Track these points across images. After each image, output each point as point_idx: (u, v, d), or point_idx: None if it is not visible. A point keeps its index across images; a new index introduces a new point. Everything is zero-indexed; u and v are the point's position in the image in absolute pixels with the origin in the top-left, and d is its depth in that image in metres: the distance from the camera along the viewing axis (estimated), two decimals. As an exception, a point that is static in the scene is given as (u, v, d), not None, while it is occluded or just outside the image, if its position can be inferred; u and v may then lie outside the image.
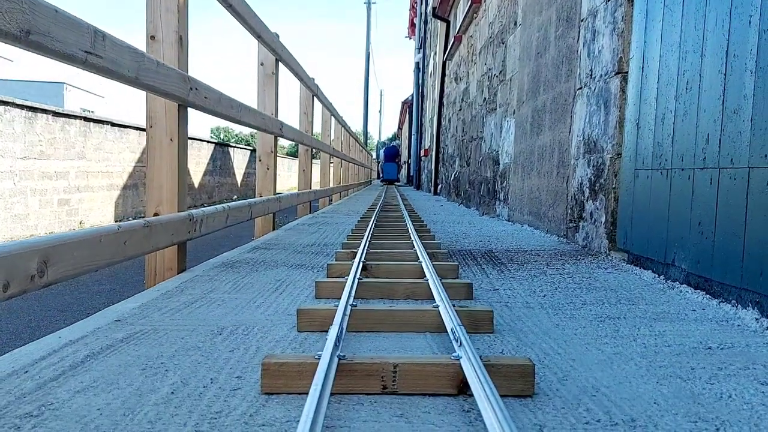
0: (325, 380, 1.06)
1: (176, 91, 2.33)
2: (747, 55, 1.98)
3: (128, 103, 30.27)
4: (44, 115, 9.43)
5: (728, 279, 2.03)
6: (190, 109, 2.66)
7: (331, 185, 9.81)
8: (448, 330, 1.44)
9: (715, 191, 2.14)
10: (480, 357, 1.18)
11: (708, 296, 2.13)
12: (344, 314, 1.53)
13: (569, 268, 2.80)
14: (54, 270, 1.50)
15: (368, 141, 41.24)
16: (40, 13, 1.39)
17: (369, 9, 34.63)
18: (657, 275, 2.57)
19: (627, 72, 3.07)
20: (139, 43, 2.44)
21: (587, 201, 3.52)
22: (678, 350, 1.52)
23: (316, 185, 9.50)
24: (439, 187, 13.35)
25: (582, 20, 3.75)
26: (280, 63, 4.81)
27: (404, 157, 32.62)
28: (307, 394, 1.02)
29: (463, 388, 1.17)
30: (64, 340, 1.50)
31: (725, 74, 2.12)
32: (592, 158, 3.47)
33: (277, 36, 4.51)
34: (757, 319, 1.81)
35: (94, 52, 1.64)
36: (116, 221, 11.67)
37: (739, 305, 1.94)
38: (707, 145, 2.22)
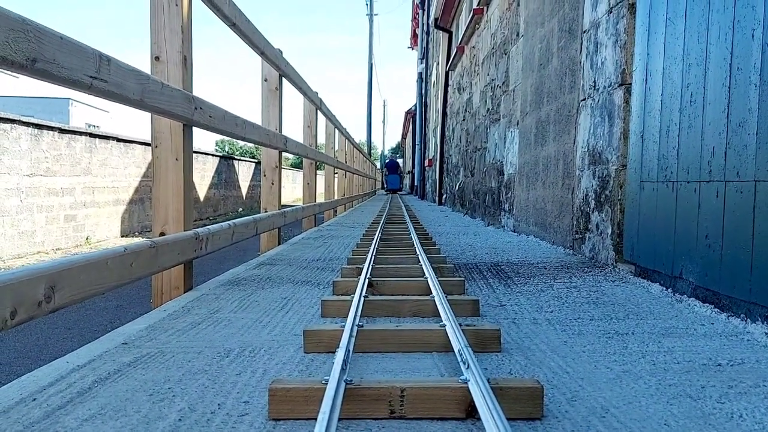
0: (333, 406, 1.06)
1: (181, 111, 2.35)
2: (751, 69, 1.98)
3: (133, 118, 30.42)
4: (50, 131, 9.48)
5: (736, 293, 2.02)
6: (195, 126, 2.67)
7: (336, 197, 9.83)
8: (455, 351, 1.44)
9: (721, 204, 2.13)
10: (488, 380, 1.17)
11: (716, 310, 2.12)
12: (351, 335, 1.52)
13: (576, 282, 2.79)
14: (61, 295, 1.50)
15: (372, 151, 41.34)
16: (45, 40, 1.40)
17: (371, 21, 34.79)
18: (665, 288, 2.56)
19: (630, 84, 3.07)
20: (144, 61, 2.46)
21: (593, 212, 3.52)
22: (687, 367, 1.51)
23: (320, 197, 9.51)
24: (444, 197, 13.34)
25: (584, 32, 3.75)
26: (283, 78, 4.83)
27: (408, 167, 33.82)
28: (315, 419, 1.02)
29: (471, 412, 1.16)
30: (71, 365, 1.50)
31: (729, 87, 2.12)
32: (597, 170, 3.47)
33: (280, 52, 4.53)
34: (766, 333, 1.79)
35: (99, 76, 1.65)
36: (123, 236, 11.70)
37: (749, 319, 1.93)
38: (713, 158, 2.21)
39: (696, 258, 2.31)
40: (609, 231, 3.24)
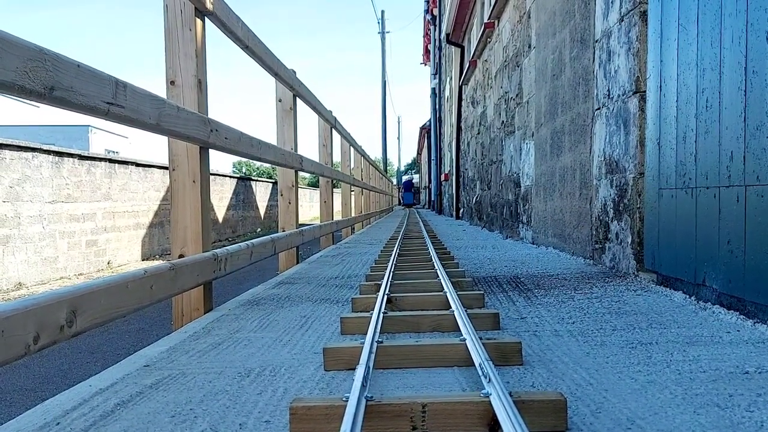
0: (354, 423, 1.05)
1: (197, 134, 2.37)
2: (766, 71, 1.96)
3: (152, 142, 30.85)
4: (70, 158, 9.64)
5: (762, 298, 1.98)
6: (211, 149, 2.70)
7: (353, 214, 9.84)
8: (476, 365, 1.42)
9: (742, 209, 2.10)
10: (510, 393, 1.16)
11: (742, 317, 2.08)
12: (370, 352, 1.52)
13: (597, 292, 2.76)
14: (83, 319, 1.52)
15: (388, 167, 41.55)
16: (63, 69, 1.43)
17: (383, 39, 35.04)
18: (688, 296, 2.52)
19: (645, 91, 3.05)
20: (159, 86, 2.49)
21: (612, 221, 3.48)
22: (714, 376, 1.48)
23: (338, 215, 9.54)
24: (461, 211, 13.31)
25: (596, 41, 3.75)
26: (297, 98, 4.87)
27: (424, 182, 35.63)
28: (336, 438, 1.01)
29: (494, 426, 1.15)
30: (94, 388, 1.51)
31: (745, 91, 2.10)
32: (614, 178, 3.44)
33: (294, 72, 4.58)
34: (794, 339, 1.76)
35: (116, 102, 1.68)
36: (143, 260, 11.82)
37: (775, 325, 1.89)
38: (731, 163, 2.19)
39: (719, 264, 2.28)
40: (629, 240, 3.21)
